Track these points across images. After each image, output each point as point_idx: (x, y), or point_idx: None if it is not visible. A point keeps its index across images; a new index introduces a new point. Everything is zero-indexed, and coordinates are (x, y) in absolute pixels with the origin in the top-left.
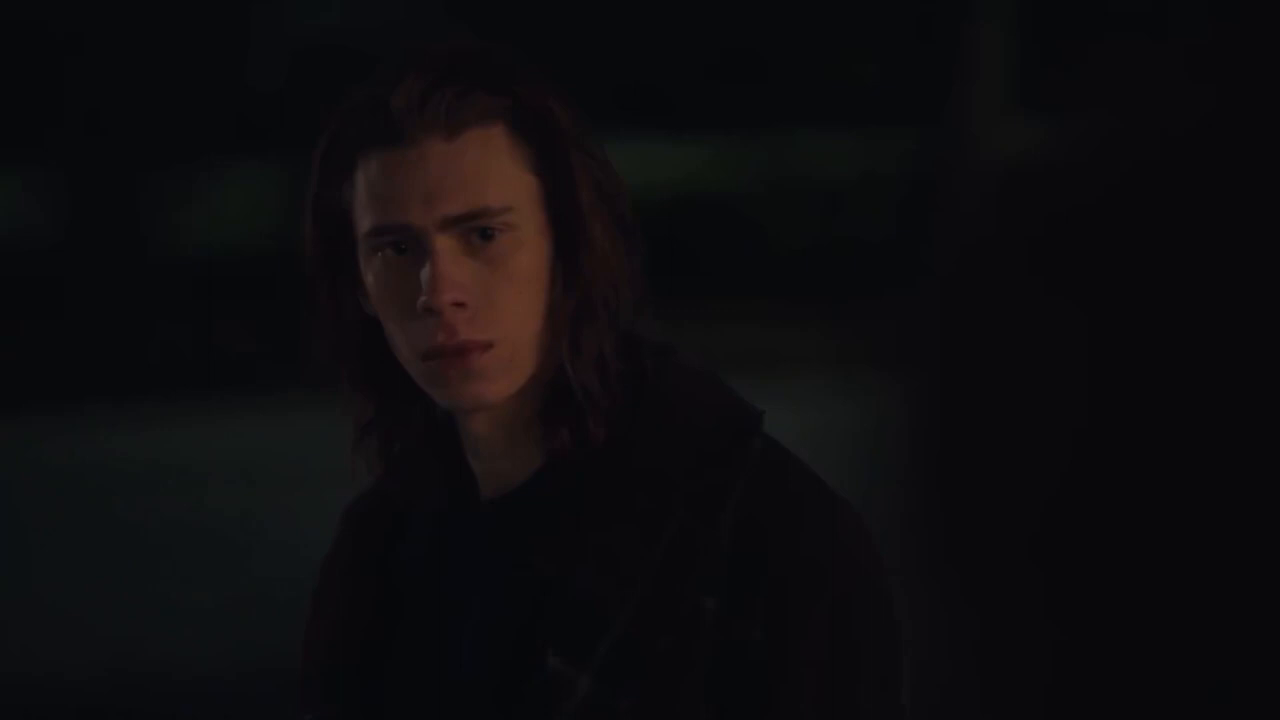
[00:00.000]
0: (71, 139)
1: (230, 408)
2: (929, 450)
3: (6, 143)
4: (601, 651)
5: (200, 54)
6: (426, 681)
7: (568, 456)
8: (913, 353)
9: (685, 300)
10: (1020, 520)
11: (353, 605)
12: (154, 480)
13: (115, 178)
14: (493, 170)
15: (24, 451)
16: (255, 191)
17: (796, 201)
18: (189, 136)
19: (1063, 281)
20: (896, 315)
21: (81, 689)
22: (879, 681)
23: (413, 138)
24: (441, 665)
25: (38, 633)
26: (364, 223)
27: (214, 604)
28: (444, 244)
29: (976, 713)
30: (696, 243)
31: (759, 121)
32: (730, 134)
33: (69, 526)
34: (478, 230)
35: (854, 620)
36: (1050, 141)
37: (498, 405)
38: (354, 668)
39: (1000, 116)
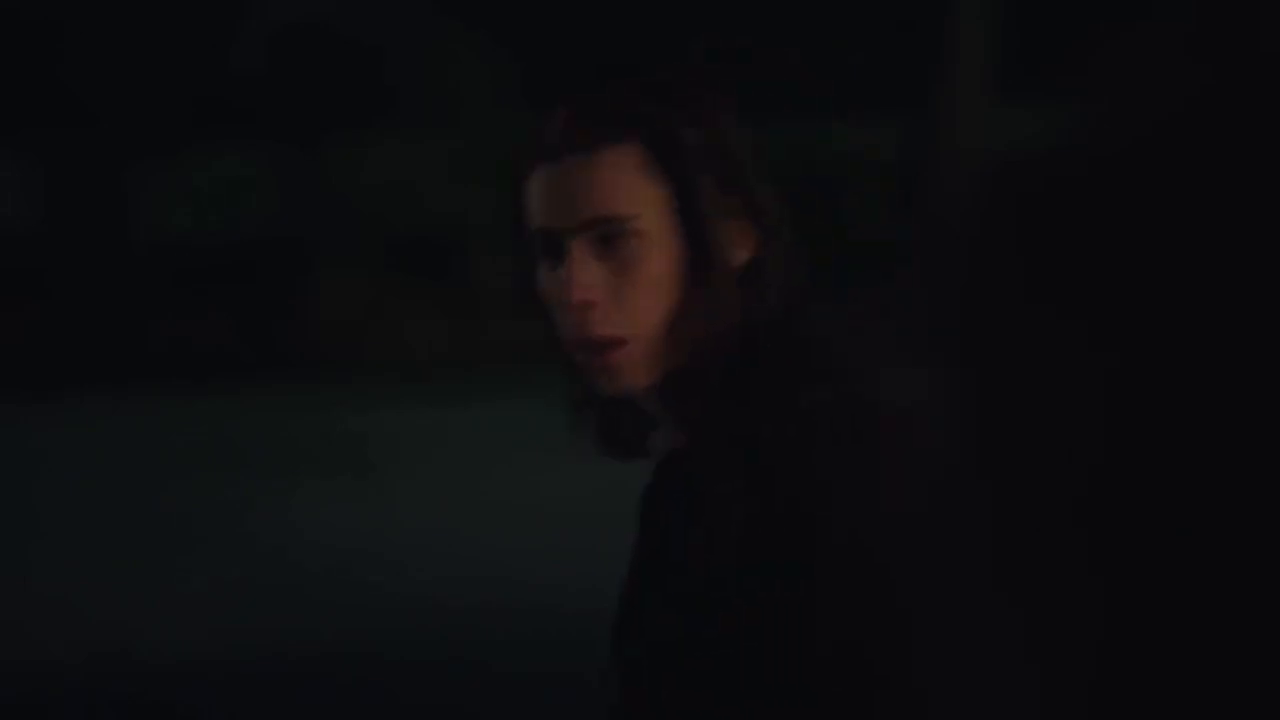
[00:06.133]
0: (53, 127)
1: (216, 394)
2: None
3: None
4: (682, 607)
5: (183, 39)
6: (624, 624)
7: (701, 426)
8: (903, 344)
9: None
10: (1022, 522)
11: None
12: (146, 466)
13: (97, 164)
14: (621, 183)
15: (17, 440)
16: (238, 176)
17: (789, 193)
18: (172, 121)
19: (1057, 268)
20: (888, 307)
21: (76, 675)
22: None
23: (559, 156)
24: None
25: (33, 620)
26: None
27: (209, 590)
28: (578, 248)
29: (1024, 700)
30: None
31: (745, 113)
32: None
33: (62, 514)
34: (608, 235)
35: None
36: (1041, 129)
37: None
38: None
39: (988, 107)
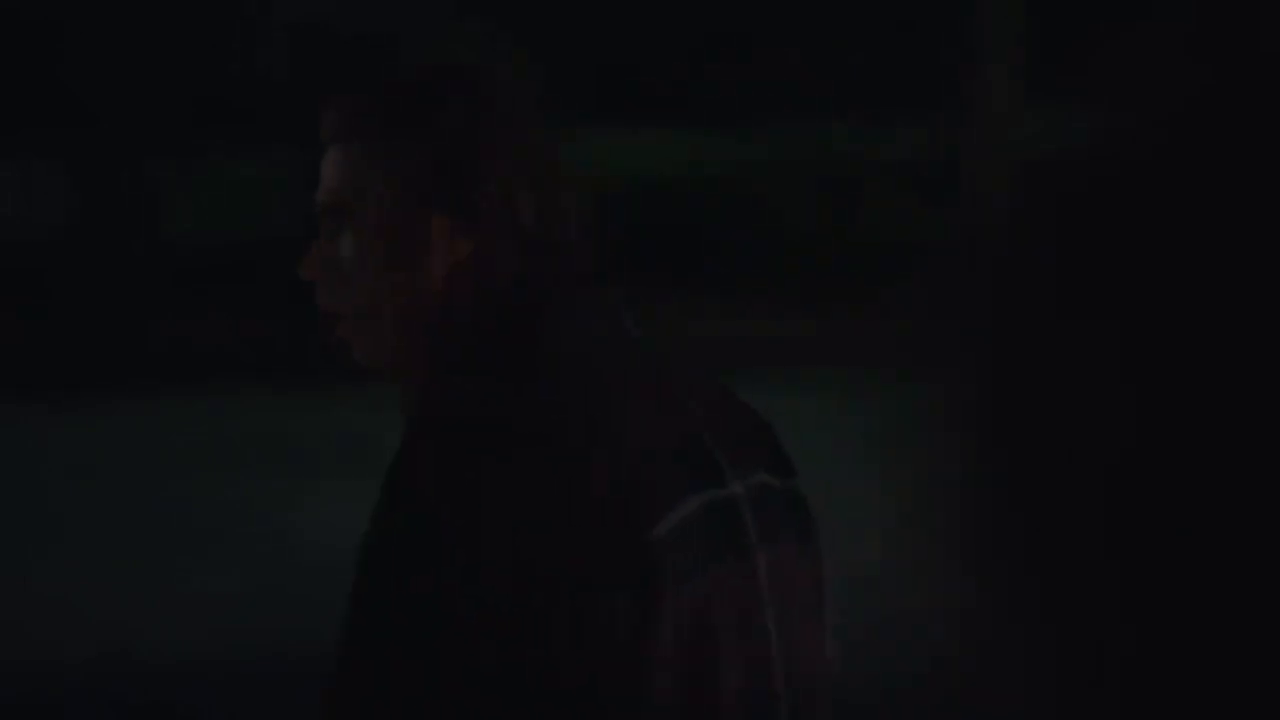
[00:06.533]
0: (55, 128)
1: (216, 394)
2: (950, 444)
3: (3, 133)
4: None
5: (188, 40)
6: None
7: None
8: (931, 345)
9: (697, 290)
10: (1038, 528)
11: None
12: (146, 466)
13: (99, 165)
14: (343, 176)
15: (17, 440)
16: (241, 177)
17: (810, 191)
18: (175, 123)
19: (1091, 267)
20: (913, 306)
21: (76, 675)
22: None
23: (326, 145)
24: None
25: (34, 620)
26: None
27: (209, 590)
28: (321, 228)
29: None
30: (707, 232)
31: (770, 110)
32: (738, 122)
33: (62, 514)
34: (333, 220)
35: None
36: (1072, 131)
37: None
38: None
39: (1016, 107)
